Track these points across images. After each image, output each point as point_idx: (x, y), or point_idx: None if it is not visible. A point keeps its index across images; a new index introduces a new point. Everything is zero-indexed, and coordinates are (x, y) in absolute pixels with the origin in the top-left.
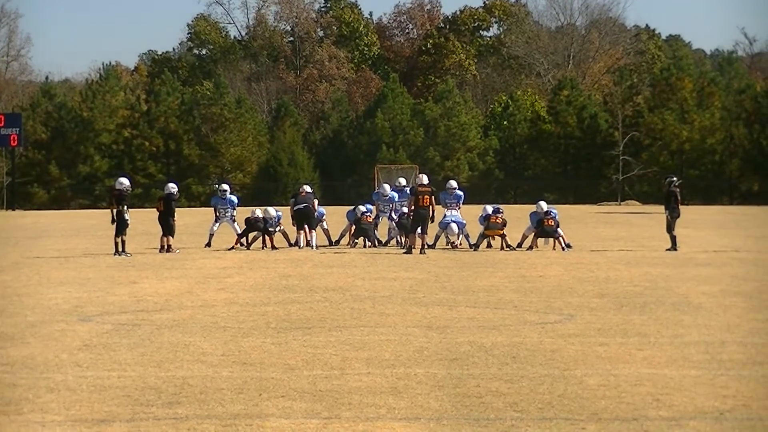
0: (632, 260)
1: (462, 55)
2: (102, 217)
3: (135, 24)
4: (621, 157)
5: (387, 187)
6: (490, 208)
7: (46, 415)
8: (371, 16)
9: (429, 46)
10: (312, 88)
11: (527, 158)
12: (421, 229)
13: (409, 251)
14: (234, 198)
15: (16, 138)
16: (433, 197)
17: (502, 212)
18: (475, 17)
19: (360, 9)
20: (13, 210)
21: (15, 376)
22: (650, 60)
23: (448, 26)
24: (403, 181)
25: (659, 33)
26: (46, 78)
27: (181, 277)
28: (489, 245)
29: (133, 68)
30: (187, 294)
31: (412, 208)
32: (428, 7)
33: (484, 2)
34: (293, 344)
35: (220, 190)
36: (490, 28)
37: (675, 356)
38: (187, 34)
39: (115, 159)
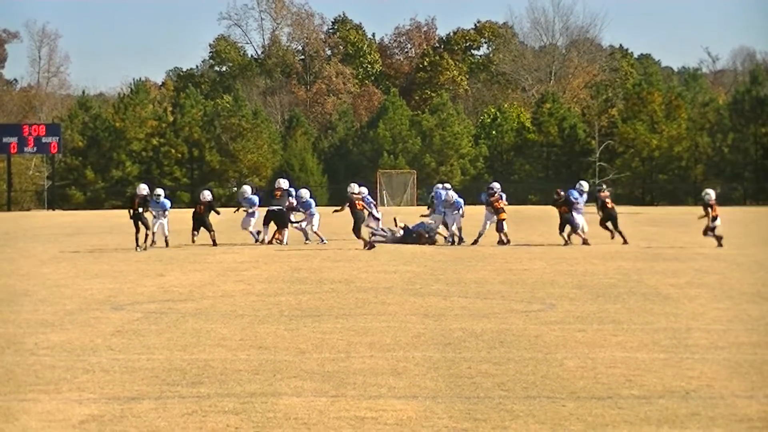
0: (607, 255)
1: (455, 71)
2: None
3: (162, 43)
4: (597, 163)
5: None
6: (497, 185)
7: (82, 393)
8: (374, 36)
9: (425, 63)
10: (321, 101)
11: (513, 164)
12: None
13: (370, 247)
14: (167, 201)
15: (56, 146)
16: (364, 202)
17: (503, 196)
18: (467, 38)
19: (364, 30)
20: (53, 210)
21: (55, 358)
22: (623, 76)
23: (442, 46)
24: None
25: (632, 52)
26: (83, 92)
27: (203, 270)
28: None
29: (160, 83)
30: (209, 285)
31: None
32: (425, 28)
33: (475, 24)
34: (304, 330)
35: (155, 194)
36: (481, 48)
37: (645, 341)
38: (209, 52)
39: (145, 164)
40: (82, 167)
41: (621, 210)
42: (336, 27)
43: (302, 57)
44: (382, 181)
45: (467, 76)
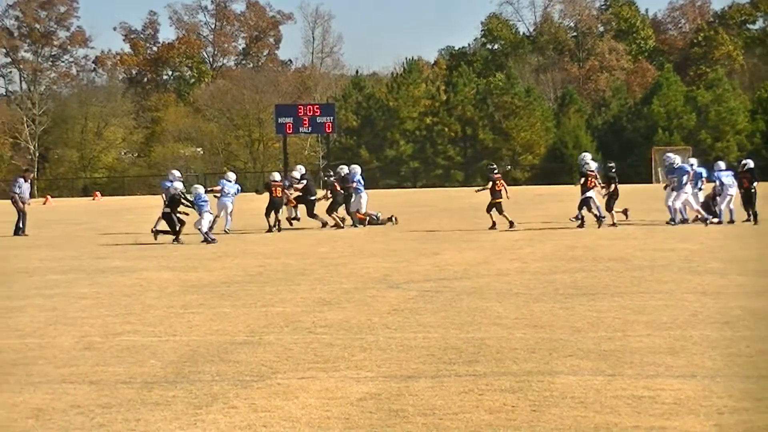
0: None
1: (730, 46)
2: (407, 195)
3: (434, 22)
4: None
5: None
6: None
7: (360, 371)
8: (647, 12)
9: (700, 38)
10: (594, 78)
11: None
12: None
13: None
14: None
15: (330, 125)
16: (337, 187)
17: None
18: (743, 12)
19: (637, 6)
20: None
21: (332, 336)
22: None
23: (717, 20)
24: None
25: None
26: (356, 72)
27: (477, 248)
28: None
29: (432, 62)
30: (484, 264)
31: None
32: (699, 3)
33: None
34: (579, 309)
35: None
36: (756, 22)
37: None
38: (481, 30)
39: (418, 144)
40: (357, 146)
41: None
42: (608, 3)
43: (575, 34)
44: (656, 158)
45: (743, 51)
